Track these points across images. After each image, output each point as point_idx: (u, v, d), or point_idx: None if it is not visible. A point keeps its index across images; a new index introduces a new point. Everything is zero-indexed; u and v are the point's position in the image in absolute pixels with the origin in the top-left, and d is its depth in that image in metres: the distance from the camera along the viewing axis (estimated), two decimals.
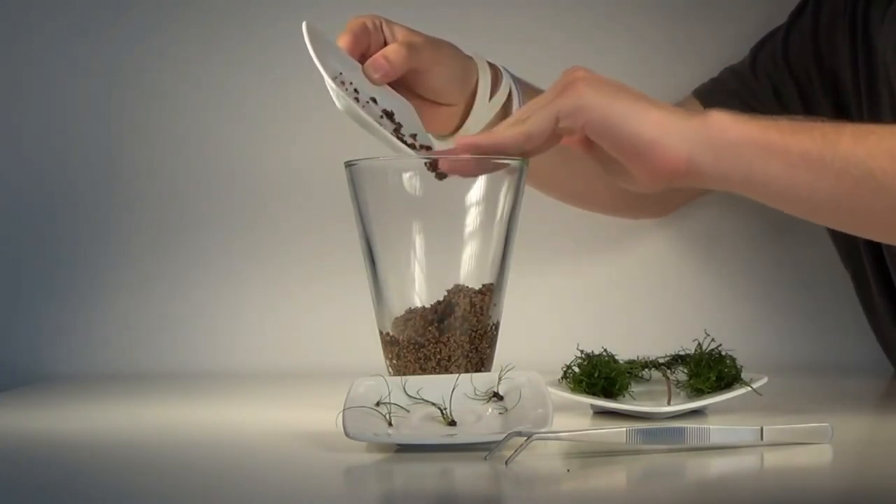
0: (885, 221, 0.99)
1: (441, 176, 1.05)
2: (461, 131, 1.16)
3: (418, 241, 1.08)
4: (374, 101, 1.10)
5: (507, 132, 1.02)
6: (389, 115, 1.11)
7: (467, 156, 1.03)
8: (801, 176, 0.97)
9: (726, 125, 0.98)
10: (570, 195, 1.37)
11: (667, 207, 1.43)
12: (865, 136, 0.97)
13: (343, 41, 1.12)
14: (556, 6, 1.45)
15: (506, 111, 1.18)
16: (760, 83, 1.32)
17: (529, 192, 1.18)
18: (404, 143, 1.08)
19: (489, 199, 1.09)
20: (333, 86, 1.06)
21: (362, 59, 1.12)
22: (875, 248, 1.29)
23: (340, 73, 1.09)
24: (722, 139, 0.97)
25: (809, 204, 0.99)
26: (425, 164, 1.05)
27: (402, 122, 1.11)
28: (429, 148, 1.10)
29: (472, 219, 1.09)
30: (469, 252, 1.09)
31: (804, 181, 0.97)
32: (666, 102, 1.01)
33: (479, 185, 1.09)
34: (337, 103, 1.08)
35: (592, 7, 1.46)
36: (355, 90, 1.09)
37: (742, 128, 0.97)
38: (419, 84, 1.14)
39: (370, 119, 1.07)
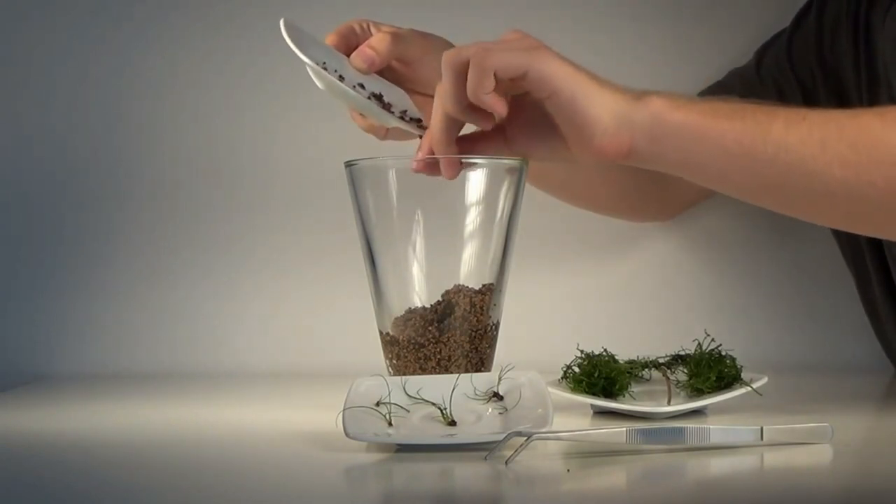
0: (817, 206, 1.01)
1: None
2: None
3: (418, 241, 1.08)
4: (362, 86, 1.11)
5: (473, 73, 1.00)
6: (378, 97, 1.11)
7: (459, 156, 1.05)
8: (735, 161, 0.99)
9: (665, 110, 0.99)
10: (573, 196, 1.37)
11: (670, 211, 1.43)
12: (797, 123, 0.98)
13: (330, 40, 1.13)
14: (559, 8, 1.45)
15: None
16: (765, 85, 1.33)
17: (530, 191, 1.18)
18: (393, 115, 1.09)
19: (489, 199, 1.09)
20: (312, 64, 1.06)
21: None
22: (878, 251, 1.29)
23: (324, 63, 1.09)
24: (660, 125, 0.99)
25: (744, 187, 1.02)
26: (419, 136, 1.06)
27: (391, 102, 1.11)
28: (419, 120, 1.11)
29: (472, 219, 1.09)
30: (469, 252, 1.09)
31: (738, 166, 0.99)
32: (610, 81, 1.01)
33: (479, 185, 1.09)
34: (318, 83, 1.09)
35: (596, 9, 1.46)
36: (340, 77, 1.09)
37: (680, 114, 0.99)
38: (411, 76, 1.15)
39: (352, 91, 1.07)
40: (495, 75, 1.00)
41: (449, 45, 1.16)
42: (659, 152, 1.00)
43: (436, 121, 1.04)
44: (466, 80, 1.00)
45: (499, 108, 1.01)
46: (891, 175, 0.96)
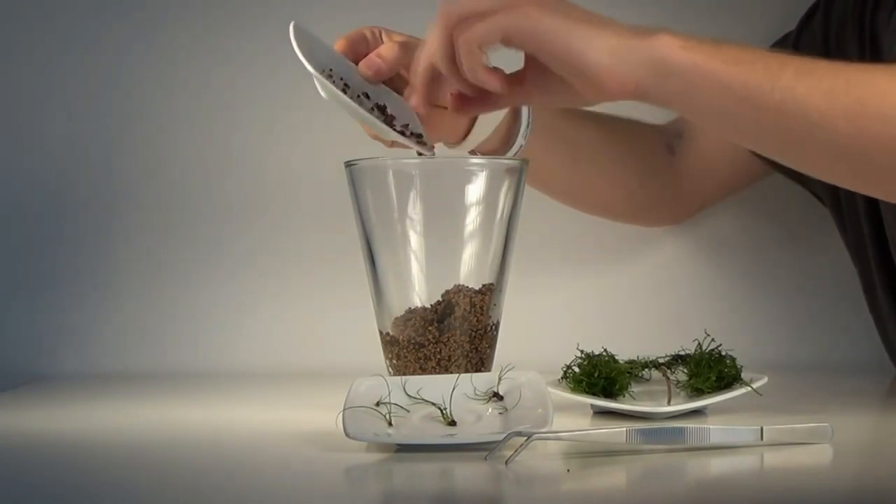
0: (820, 158, 1.00)
1: (431, 152, 1.06)
2: (469, 136, 1.15)
3: (418, 242, 1.08)
4: (367, 96, 1.10)
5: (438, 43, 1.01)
6: (381, 108, 1.10)
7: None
8: (740, 107, 0.98)
9: (673, 48, 0.98)
10: (579, 200, 1.37)
11: (680, 215, 1.42)
12: (808, 74, 0.97)
13: (338, 45, 1.12)
14: None
15: (514, 115, 1.17)
16: None
17: (530, 191, 1.18)
18: (394, 128, 1.08)
19: (489, 199, 1.09)
20: (315, 73, 1.06)
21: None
22: (882, 247, 1.28)
23: (331, 70, 1.08)
24: (667, 63, 0.98)
25: (748, 132, 1.01)
26: (418, 153, 1.05)
27: (394, 115, 1.10)
28: (420, 135, 1.10)
29: (472, 219, 1.09)
30: (469, 252, 1.09)
31: (743, 112, 0.98)
32: (617, 22, 1.00)
33: (479, 185, 1.09)
34: (322, 92, 1.08)
35: (602, 10, 1.45)
36: (345, 85, 1.08)
37: (688, 54, 0.98)
38: None
39: (353, 103, 1.06)
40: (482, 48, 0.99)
41: None
42: (665, 90, 0.98)
43: (420, 69, 1.03)
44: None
45: (491, 83, 1.00)
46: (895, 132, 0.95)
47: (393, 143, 1.13)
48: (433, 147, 1.10)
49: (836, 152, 0.98)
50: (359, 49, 1.12)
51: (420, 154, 1.08)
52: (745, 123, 0.99)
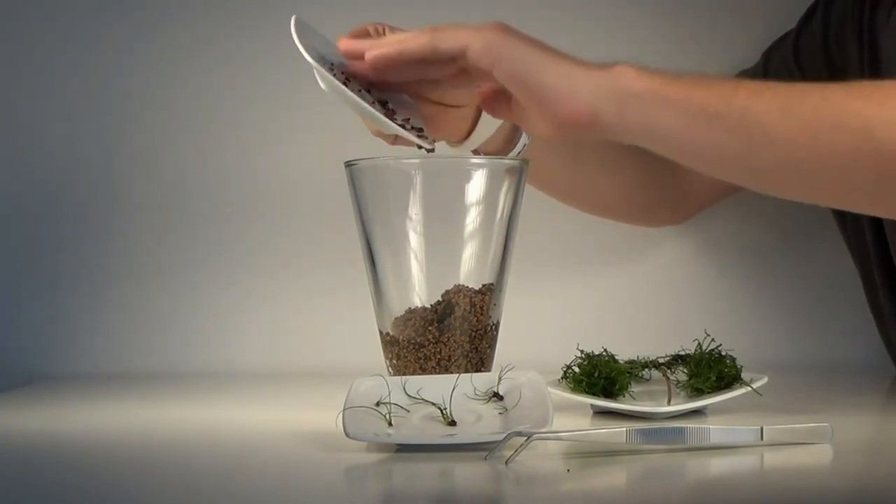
0: (782, 177, 0.99)
1: (430, 150, 1.05)
2: (472, 136, 1.16)
3: (418, 242, 1.08)
4: (368, 91, 1.10)
5: (415, 40, 1.02)
6: (383, 103, 1.10)
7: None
8: (699, 129, 0.98)
9: (630, 78, 0.98)
10: (580, 201, 1.37)
11: (680, 215, 1.42)
12: (762, 92, 0.97)
13: (341, 42, 1.11)
14: (562, 11, 1.45)
15: None
16: None
17: (530, 191, 1.18)
18: (395, 122, 1.08)
19: (489, 199, 1.09)
20: (316, 65, 1.05)
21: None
22: (882, 247, 1.28)
23: (332, 64, 1.08)
24: (625, 91, 0.98)
25: (708, 158, 1.00)
26: (418, 146, 1.05)
27: (394, 109, 1.10)
28: (420, 129, 1.10)
29: (472, 219, 1.09)
30: (469, 252, 1.09)
31: (702, 135, 0.98)
32: (577, 57, 1.01)
33: (479, 185, 1.09)
34: (322, 84, 1.08)
35: (600, 13, 1.46)
36: (346, 79, 1.08)
37: (645, 81, 0.98)
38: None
39: (354, 95, 1.06)
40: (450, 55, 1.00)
41: None
42: (624, 120, 0.98)
43: (392, 47, 1.03)
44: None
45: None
46: (853, 142, 0.94)
47: (395, 140, 1.13)
48: (434, 141, 1.10)
49: (798, 169, 0.97)
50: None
51: (420, 147, 1.08)
52: (706, 148, 0.99)
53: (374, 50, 1.03)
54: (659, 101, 0.98)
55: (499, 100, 1.04)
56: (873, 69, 1.23)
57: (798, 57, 1.32)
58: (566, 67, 0.99)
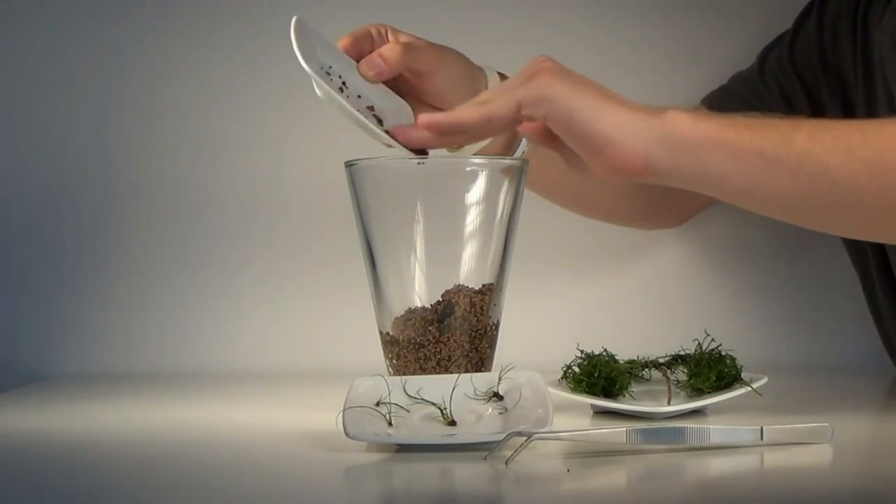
0: (841, 217, 0.99)
1: (422, 153, 1.05)
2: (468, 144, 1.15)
3: (418, 241, 1.08)
4: (367, 100, 1.10)
5: (469, 112, 1.01)
6: (372, 109, 1.10)
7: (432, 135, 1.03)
8: (756, 174, 0.97)
9: (684, 124, 0.97)
10: (584, 207, 1.36)
11: (679, 218, 1.42)
12: (821, 133, 0.96)
13: (342, 42, 1.11)
14: (563, 12, 1.45)
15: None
16: (769, 88, 1.32)
17: (529, 193, 1.18)
18: (387, 134, 1.08)
19: (489, 199, 1.09)
20: (311, 72, 1.05)
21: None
22: (880, 252, 1.29)
23: (330, 68, 1.08)
24: (679, 138, 0.97)
25: (767, 201, 0.99)
26: (409, 157, 1.05)
27: (388, 118, 1.10)
28: None
29: (472, 219, 1.09)
30: (469, 252, 1.09)
31: (760, 179, 0.97)
32: (629, 100, 1.00)
33: (479, 185, 1.09)
34: (317, 91, 1.08)
35: (600, 14, 1.46)
36: (343, 83, 1.08)
37: (699, 126, 0.97)
38: (423, 88, 1.13)
39: (349, 106, 1.06)
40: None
41: (463, 59, 1.15)
42: (678, 167, 0.97)
43: (446, 120, 1.02)
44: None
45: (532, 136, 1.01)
46: None
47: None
48: (427, 152, 1.09)
49: (860, 209, 0.97)
50: (363, 46, 1.11)
51: (412, 157, 1.08)
52: (765, 191, 0.97)
53: (427, 117, 1.02)
54: (713, 147, 0.97)
55: (547, 134, 1.02)
56: (866, 68, 1.23)
57: (794, 58, 1.32)
58: (619, 114, 0.97)
